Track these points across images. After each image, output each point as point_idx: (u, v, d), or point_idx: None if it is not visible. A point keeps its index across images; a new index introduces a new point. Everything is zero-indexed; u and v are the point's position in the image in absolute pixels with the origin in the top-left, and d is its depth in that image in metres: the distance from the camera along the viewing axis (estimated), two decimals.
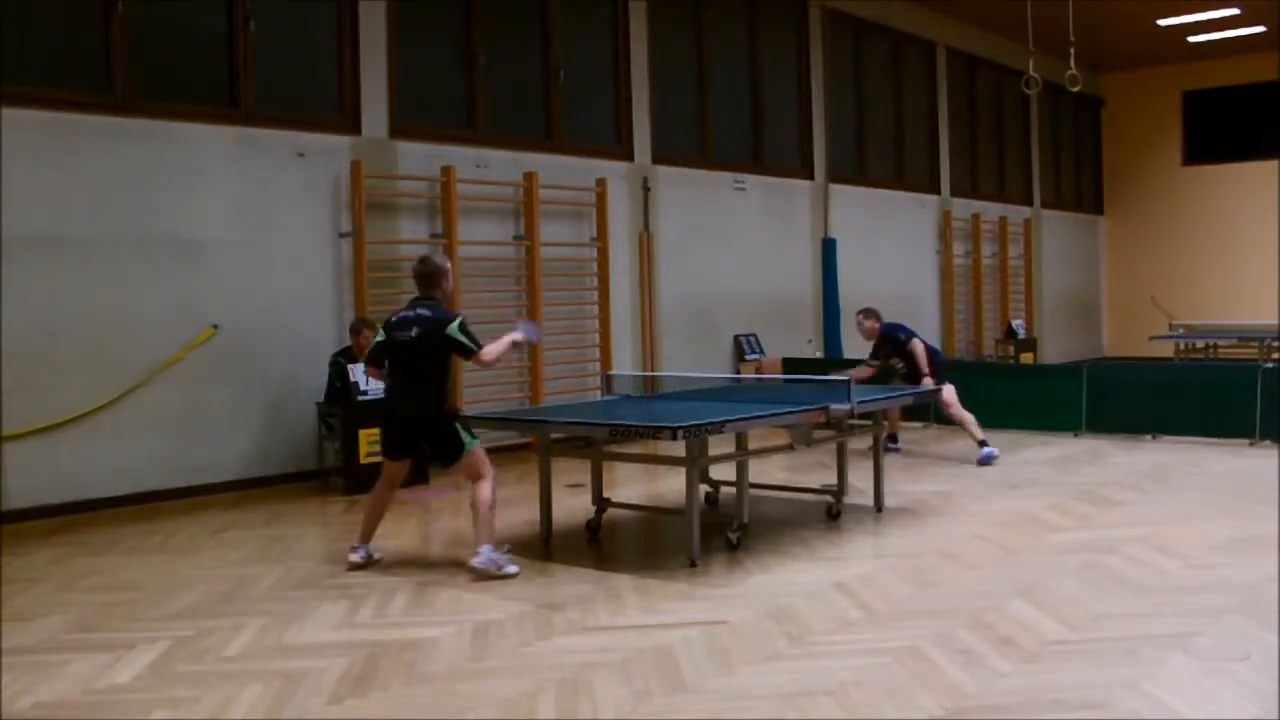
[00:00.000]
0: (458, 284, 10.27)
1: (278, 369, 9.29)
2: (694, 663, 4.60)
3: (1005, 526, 7.12)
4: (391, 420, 6.49)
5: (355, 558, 6.37)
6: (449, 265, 6.63)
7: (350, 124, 9.97)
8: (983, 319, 18.29)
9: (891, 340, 10.07)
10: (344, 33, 9.95)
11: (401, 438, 6.43)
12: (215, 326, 8.90)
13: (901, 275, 16.66)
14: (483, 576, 6.01)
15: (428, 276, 6.46)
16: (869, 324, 10.17)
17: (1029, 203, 20.31)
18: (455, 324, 6.28)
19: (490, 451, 10.47)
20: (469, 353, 6.30)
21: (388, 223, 10.11)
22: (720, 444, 6.73)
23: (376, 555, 6.47)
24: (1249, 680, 4.26)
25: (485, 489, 6.21)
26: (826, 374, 9.63)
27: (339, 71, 9.96)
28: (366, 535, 6.48)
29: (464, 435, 6.28)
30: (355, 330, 9.30)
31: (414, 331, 6.26)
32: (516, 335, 6.61)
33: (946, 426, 11.86)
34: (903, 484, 8.63)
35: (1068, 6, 13.39)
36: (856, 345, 15.00)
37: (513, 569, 6.12)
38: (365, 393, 8.91)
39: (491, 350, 6.36)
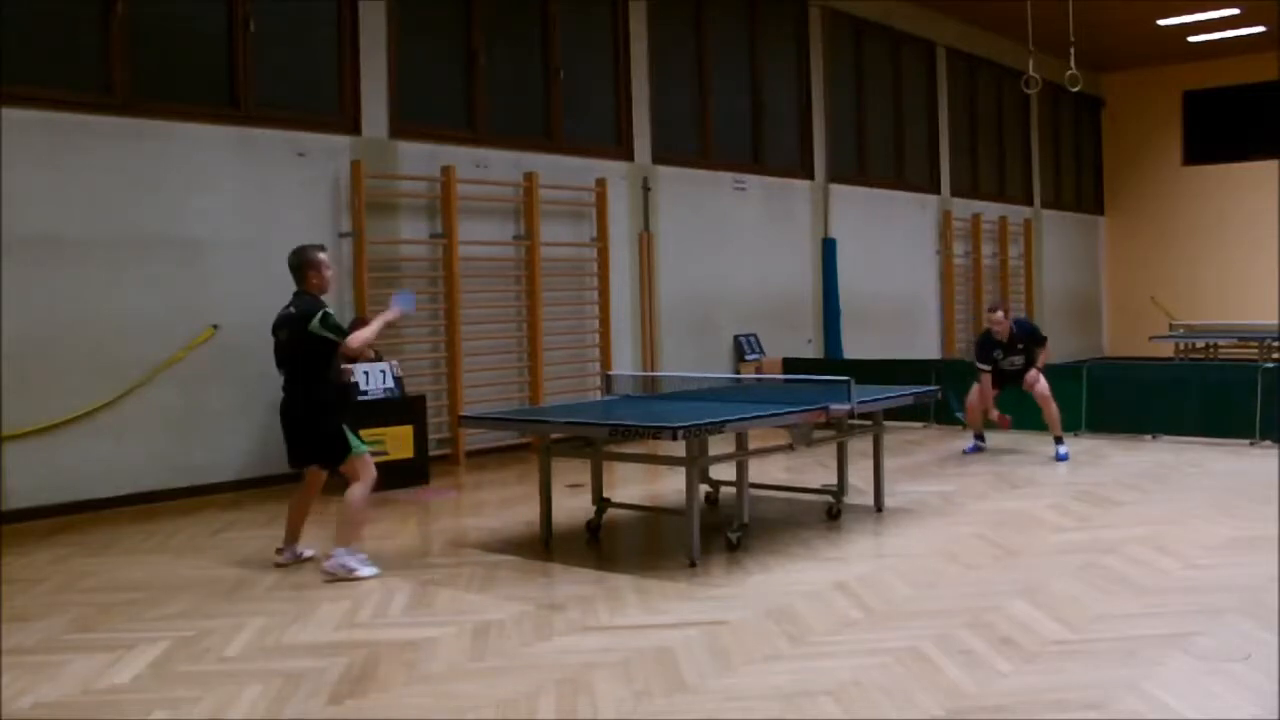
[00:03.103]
0: (455, 283, 10.32)
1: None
2: (694, 663, 4.60)
3: (1005, 526, 7.12)
4: (282, 424, 6.39)
5: (280, 559, 6.44)
6: (318, 256, 6.37)
7: (350, 124, 9.97)
8: (983, 319, 18.26)
9: (1032, 333, 10.17)
10: (344, 33, 9.96)
11: (289, 443, 6.37)
12: (215, 326, 8.90)
13: (901, 275, 16.67)
14: (331, 579, 6.03)
15: (294, 269, 6.36)
16: (1007, 324, 9.95)
17: (1029, 203, 20.31)
18: (317, 318, 6.14)
19: (490, 451, 10.70)
20: (334, 344, 6.18)
21: (388, 223, 10.11)
22: (720, 444, 6.72)
23: (306, 553, 6.53)
24: (1249, 680, 4.26)
25: (358, 491, 6.19)
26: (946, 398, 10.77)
27: (339, 71, 9.97)
28: (290, 538, 6.52)
29: (351, 439, 6.23)
30: (354, 327, 9.30)
31: (284, 334, 6.23)
32: (389, 314, 6.39)
33: (947, 426, 11.89)
34: (903, 484, 8.63)
35: (1068, 6, 13.39)
36: (856, 345, 15.08)
37: (368, 571, 6.09)
38: (365, 393, 8.92)
39: (358, 337, 6.20)
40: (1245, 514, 7.30)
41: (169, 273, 8.71)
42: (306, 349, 6.20)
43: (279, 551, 6.49)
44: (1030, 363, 9.98)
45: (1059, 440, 9.89)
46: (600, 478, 7.21)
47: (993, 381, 10.07)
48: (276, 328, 6.30)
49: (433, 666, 4.66)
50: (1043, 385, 9.91)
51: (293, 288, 9.60)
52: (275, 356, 6.37)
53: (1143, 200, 22.18)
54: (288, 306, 6.29)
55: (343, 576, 6.04)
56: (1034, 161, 20.53)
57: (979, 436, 10.41)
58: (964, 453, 10.23)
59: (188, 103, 8.97)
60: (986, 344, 10.16)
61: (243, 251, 9.08)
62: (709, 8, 13.56)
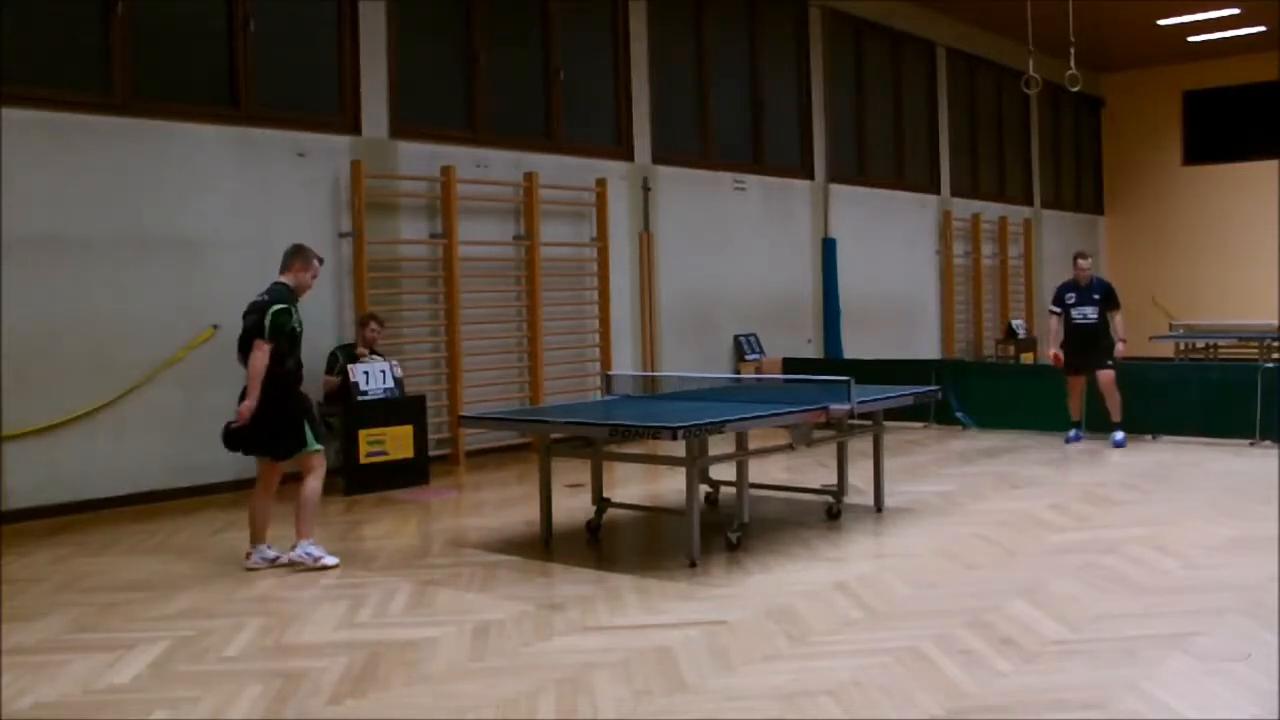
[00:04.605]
0: (455, 283, 10.32)
1: None
2: (694, 663, 4.60)
3: (1005, 526, 7.12)
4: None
5: (249, 563, 6.43)
6: (313, 257, 6.48)
7: (350, 124, 9.97)
8: (983, 319, 18.29)
9: (1108, 292, 10.80)
10: (344, 33, 9.96)
11: (241, 429, 6.37)
12: (215, 326, 8.89)
13: (901, 275, 16.67)
14: (299, 568, 6.25)
15: (285, 255, 6.47)
16: (1089, 272, 10.84)
17: (1029, 203, 20.32)
18: (271, 310, 6.19)
19: (490, 451, 10.70)
20: (293, 336, 6.26)
21: (388, 223, 10.11)
22: (720, 444, 6.73)
23: (283, 558, 6.44)
24: (1249, 680, 4.26)
25: (311, 485, 6.36)
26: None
27: (339, 71, 9.96)
28: (257, 538, 6.50)
29: (307, 433, 6.33)
30: (361, 323, 9.33)
31: (251, 319, 6.30)
32: (252, 392, 6.21)
33: (947, 426, 11.89)
34: (903, 484, 8.63)
35: (1068, 6, 13.39)
36: (857, 345, 15.07)
37: (330, 560, 6.33)
38: (365, 393, 8.92)
39: (260, 353, 6.16)
40: (1245, 514, 7.30)
41: (169, 273, 8.71)
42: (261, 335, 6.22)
43: (247, 555, 6.48)
44: (1101, 325, 10.57)
45: (1117, 426, 10.45)
46: (600, 478, 7.21)
47: (1064, 335, 10.66)
48: (246, 314, 6.37)
49: (433, 666, 4.66)
50: (1107, 376, 10.44)
51: None
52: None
53: (1143, 200, 22.18)
54: (261, 293, 6.38)
55: (309, 565, 6.27)
56: (1034, 161, 20.53)
57: (1078, 424, 10.75)
58: (1066, 441, 10.62)
59: (188, 103, 8.97)
60: (1065, 287, 10.91)
61: (243, 251, 9.07)
62: (709, 8, 13.56)
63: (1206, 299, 20.53)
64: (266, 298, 6.30)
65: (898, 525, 7.29)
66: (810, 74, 15.15)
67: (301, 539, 6.37)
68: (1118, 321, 10.68)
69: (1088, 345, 10.53)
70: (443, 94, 10.88)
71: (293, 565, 6.30)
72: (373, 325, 9.28)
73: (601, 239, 11.85)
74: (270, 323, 6.17)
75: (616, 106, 12.42)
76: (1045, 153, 20.84)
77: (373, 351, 9.28)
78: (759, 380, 10.08)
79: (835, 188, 15.43)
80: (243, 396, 6.33)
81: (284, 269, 6.45)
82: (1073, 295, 10.73)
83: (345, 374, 8.96)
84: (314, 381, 9.30)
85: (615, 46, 12.39)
